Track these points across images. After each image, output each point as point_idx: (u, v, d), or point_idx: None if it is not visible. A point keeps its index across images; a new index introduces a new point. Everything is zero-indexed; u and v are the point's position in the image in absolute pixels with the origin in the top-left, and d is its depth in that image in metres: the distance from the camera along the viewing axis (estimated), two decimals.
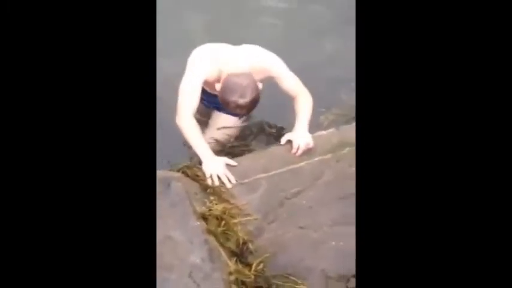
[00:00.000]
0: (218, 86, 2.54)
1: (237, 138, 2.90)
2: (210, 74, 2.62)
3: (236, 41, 2.80)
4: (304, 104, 2.66)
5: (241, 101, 2.46)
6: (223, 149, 2.75)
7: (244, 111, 2.55)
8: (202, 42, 2.81)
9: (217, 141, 2.80)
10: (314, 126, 2.71)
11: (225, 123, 2.83)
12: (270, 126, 2.96)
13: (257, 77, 2.63)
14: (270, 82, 2.70)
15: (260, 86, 2.56)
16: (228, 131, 2.84)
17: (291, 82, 2.68)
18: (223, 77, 2.54)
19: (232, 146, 2.81)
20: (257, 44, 2.75)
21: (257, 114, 2.98)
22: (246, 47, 2.73)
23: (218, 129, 2.83)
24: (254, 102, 2.51)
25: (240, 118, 2.73)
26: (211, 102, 2.77)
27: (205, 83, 2.64)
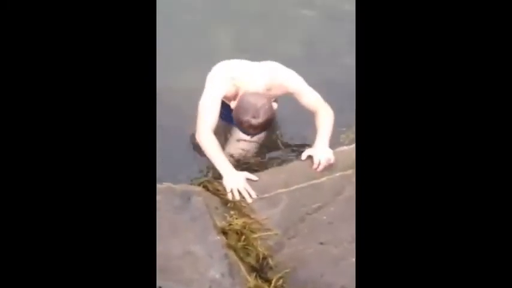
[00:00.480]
0: (233, 104, 2.55)
1: (254, 154, 2.89)
2: (228, 90, 2.63)
3: (258, 57, 2.82)
4: (324, 119, 2.65)
5: (254, 121, 2.47)
6: (238, 164, 2.73)
7: (257, 131, 2.55)
8: (225, 55, 2.82)
9: (232, 156, 2.79)
10: (336, 144, 2.70)
11: (244, 137, 2.82)
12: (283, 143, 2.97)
13: (275, 93, 2.63)
14: (290, 97, 2.71)
15: (275, 105, 2.56)
16: (243, 146, 2.84)
17: (310, 98, 2.68)
18: (240, 94, 2.55)
19: (248, 162, 2.80)
20: (278, 60, 2.76)
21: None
22: (264, 64, 2.74)
23: (238, 140, 2.82)
24: (267, 123, 2.51)
25: (252, 137, 2.72)
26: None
27: (225, 97, 2.65)
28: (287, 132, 3.08)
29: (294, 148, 2.90)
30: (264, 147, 2.95)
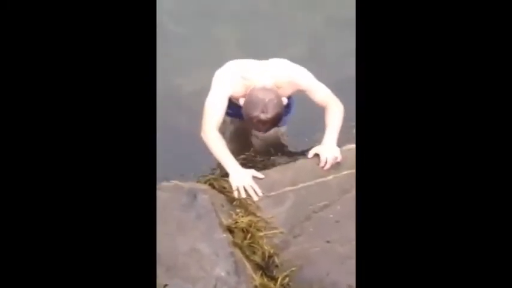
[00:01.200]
0: (242, 101, 2.54)
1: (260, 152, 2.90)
2: (235, 89, 2.61)
3: (265, 55, 2.81)
4: (333, 115, 2.62)
5: (263, 116, 2.45)
6: (244, 162, 2.72)
7: (266, 126, 2.52)
8: (233, 56, 2.82)
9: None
10: (346, 140, 2.68)
11: (256, 134, 2.83)
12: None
13: (286, 91, 2.62)
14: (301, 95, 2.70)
15: (285, 101, 2.55)
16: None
17: (321, 93, 2.65)
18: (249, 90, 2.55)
19: (253, 161, 2.80)
20: (288, 58, 2.74)
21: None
22: (273, 62, 2.72)
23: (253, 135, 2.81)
24: (277, 118, 2.49)
25: (263, 133, 2.71)
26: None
27: (234, 97, 2.63)
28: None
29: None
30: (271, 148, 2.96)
